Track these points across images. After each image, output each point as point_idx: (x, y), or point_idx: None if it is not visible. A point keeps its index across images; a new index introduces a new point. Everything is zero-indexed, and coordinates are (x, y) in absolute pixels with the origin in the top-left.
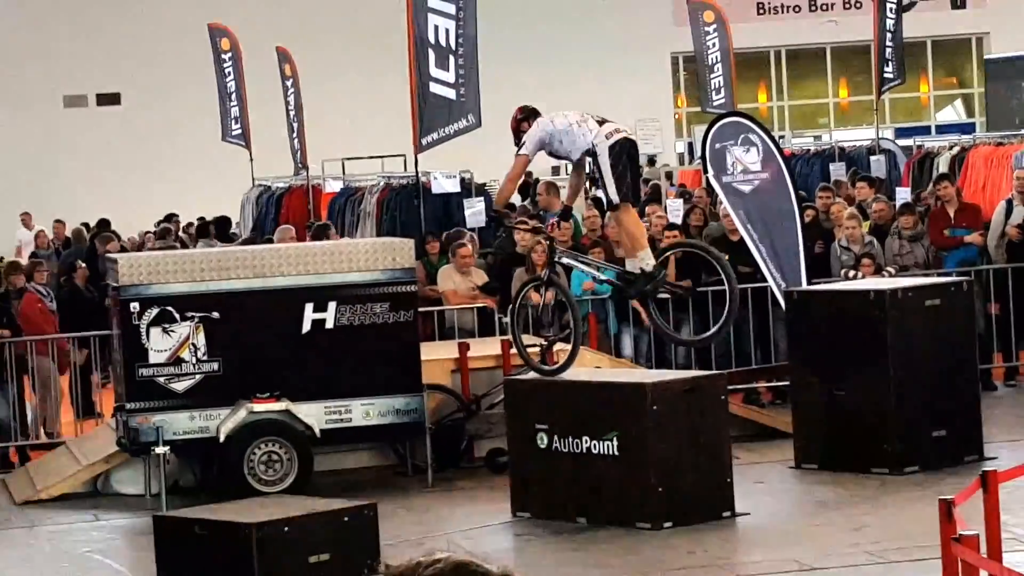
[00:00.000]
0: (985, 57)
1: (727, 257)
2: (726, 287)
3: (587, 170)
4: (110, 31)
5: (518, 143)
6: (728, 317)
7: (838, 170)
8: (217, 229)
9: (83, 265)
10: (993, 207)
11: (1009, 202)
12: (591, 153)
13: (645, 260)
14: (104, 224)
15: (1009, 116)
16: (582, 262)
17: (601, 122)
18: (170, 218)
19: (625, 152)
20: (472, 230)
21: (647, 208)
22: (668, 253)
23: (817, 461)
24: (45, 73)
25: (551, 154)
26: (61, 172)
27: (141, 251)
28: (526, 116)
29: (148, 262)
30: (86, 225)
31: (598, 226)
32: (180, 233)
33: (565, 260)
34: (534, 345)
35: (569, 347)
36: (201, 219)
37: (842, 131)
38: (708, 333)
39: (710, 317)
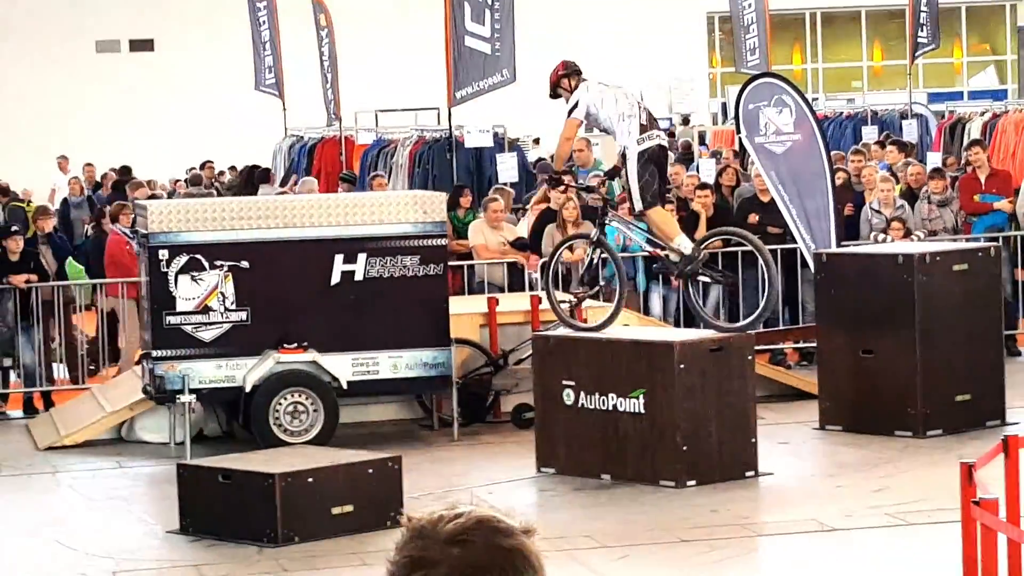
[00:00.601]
0: (1018, 24)
1: (765, 244)
2: (765, 275)
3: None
4: None
5: (554, 95)
6: (767, 305)
7: (870, 133)
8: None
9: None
10: (1023, 174)
11: None
12: (622, 153)
13: (682, 244)
14: (126, 170)
15: None
16: (632, 228)
17: (645, 126)
18: (203, 166)
19: (654, 160)
20: (505, 185)
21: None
22: (709, 240)
23: (841, 423)
24: (78, 18)
25: (592, 124)
26: (93, 117)
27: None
28: (568, 73)
29: (178, 209)
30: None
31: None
32: (214, 181)
33: (616, 223)
34: (564, 301)
35: (602, 305)
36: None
37: (875, 94)
38: (746, 320)
39: (739, 277)
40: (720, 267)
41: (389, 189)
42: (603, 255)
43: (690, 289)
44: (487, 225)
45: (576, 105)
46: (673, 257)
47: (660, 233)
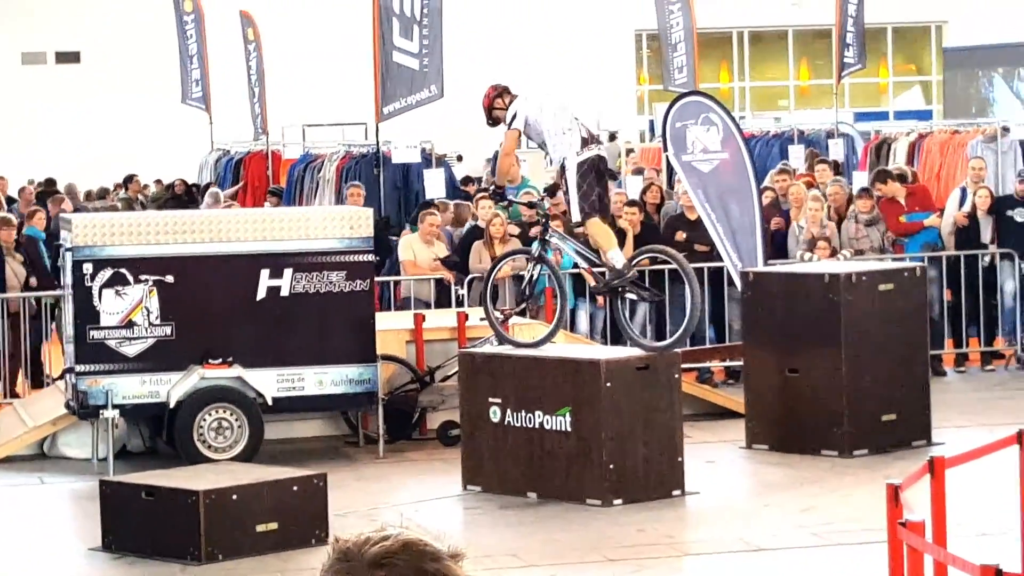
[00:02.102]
0: (944, 45)
1: (692, 263)
2: (688, 295)
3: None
4: None
5: (492, 121)
6: (690, 324)
7: (797, 152)
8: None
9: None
10: (948, 194)
11: (963, 190)
12: (561, 168)
13: (616, 258)
14: (51, 183)
15: (966, 104)
16: (570, 245)
17: (586, 139)
18: (129, 179)
19: (593, 169)
20: (432, 201)
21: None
22: (638, 259)
23: (768, 442)
24: (3, 30)
25: (528, 136)
26: (18, 130)
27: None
28: (500, 94)
29: (103, 223)
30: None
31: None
32: (138, 195)
33: (555, 240)
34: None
35: (528, 322)
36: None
37: (802, 113)
38: (670, 339)
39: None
40: (647, 285)
41: (316, 204)
42: (542, 271)
43: (617, 305)
44: (419, 240)
45: (515, 116)
46: (602, 271)
47: (596, 245)
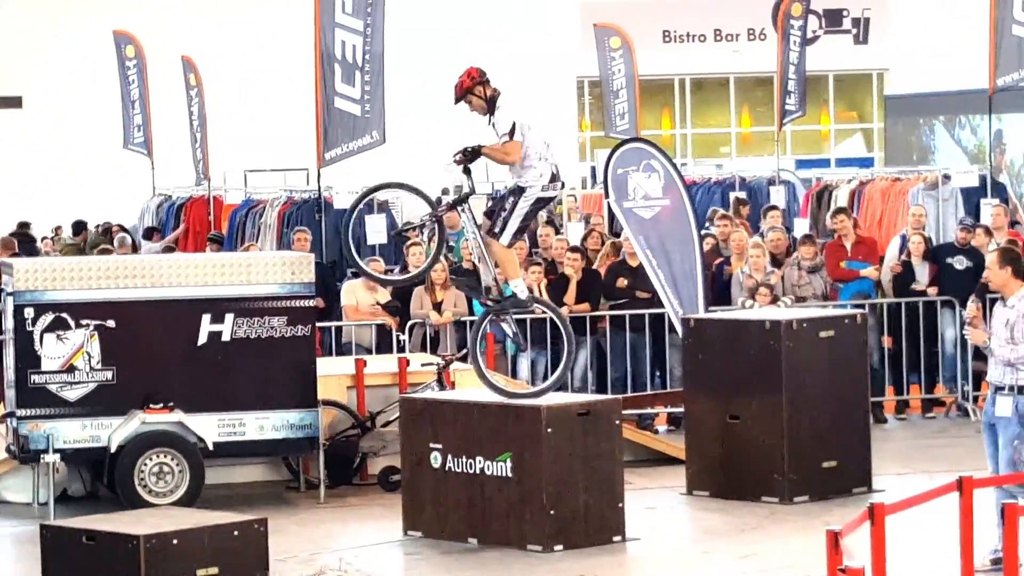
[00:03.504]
0: (885, 93)
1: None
2: (565, 346)
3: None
4: (12, 33)
5: (463, 100)
6: (561, 376)
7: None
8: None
9: None
10: (888, 241)
11: (904, 237)
12: (520, 190)
13: (520, 288)
14: (23, 225)
15: (907, 152)
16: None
17: (555, 175)
18: (81, 225)
19: (540, 208)
20: (373, 247)
21: (539, 230)
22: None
23: (709, 488)
24: None
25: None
26: None
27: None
28: (483, 81)
29: (44, 267)
30: None
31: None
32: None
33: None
34: (431, 364)
35: (467, 367)
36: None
37: (743, 160)
38: (543, 385)
39: (607, 342)
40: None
41: (257, 250)
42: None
43: (485, 326)
44: (362, 286)
45: (515, 126)
46: (495, 293)
47: (503, 270)
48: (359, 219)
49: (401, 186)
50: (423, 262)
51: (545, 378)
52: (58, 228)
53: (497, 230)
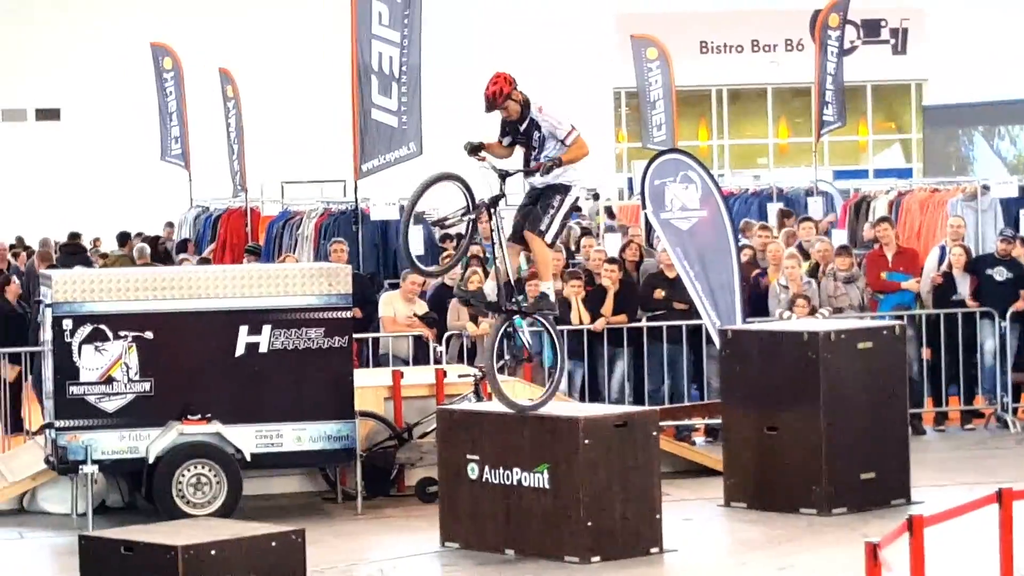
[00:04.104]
0: (924, 103)
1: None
2: (557, 362)
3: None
4: (51, 45)
5: (500, 106)
6: (554, 388)
7: (776, 210)
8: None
9: (16, 280)
10: (927, 252)
11: (943, 248)
12: (564, 188)
13: (551, 290)
14: (75, 236)
15: (945, 162)
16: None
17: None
18: (126, 236)
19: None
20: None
21: (583, 240)
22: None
23: (746, 500)
24: None
25: (522, 145)
26: None
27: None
28: (515, 85)
29: (82, 279)
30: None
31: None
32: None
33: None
34: (468, 375)
35: (507, 379)
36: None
37: (781, 171)
38: (536, 401)
39: (644, 354)
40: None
41: (295, 261)
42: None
43: (502, 328)
44: (401, 298)
45: (567, 119)
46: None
47: (538, 268)
48: (397, 230)
49: (453, 177)
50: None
51: (582, 389)
52: (96, 240)
53: (543, 227)
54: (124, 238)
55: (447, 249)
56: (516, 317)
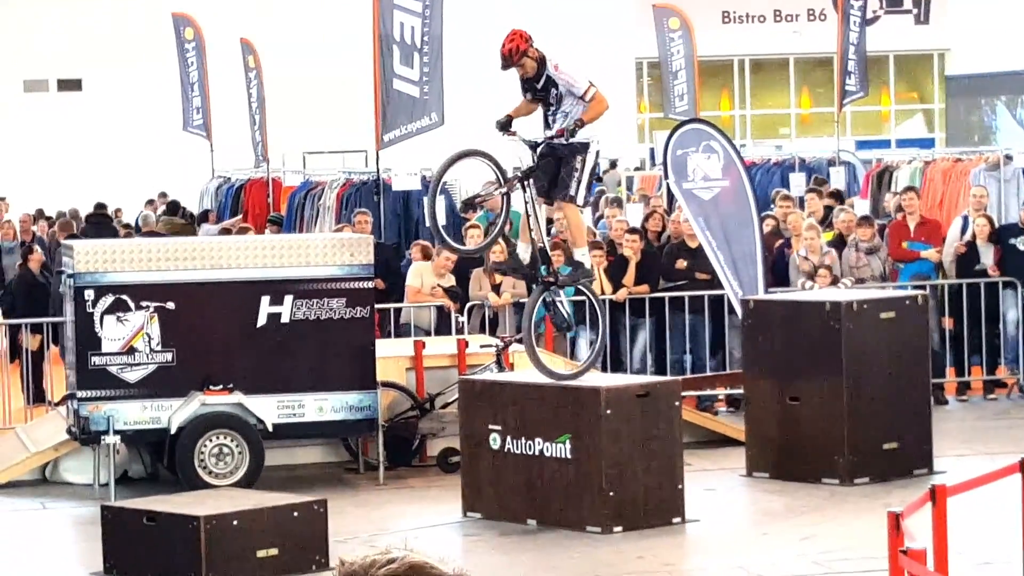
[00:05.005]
0: (946, 73)
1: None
2: (599, 332)
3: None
4: (72, 16)
5: (513, 65)
6: (595, 358)
7: (798, 180)
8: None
9: (38, 250)
10: (950, 223)
11: (965, 218)
12: (583, 146)
13: (585, 257)
14: (100, 207)
15: (968, 132)
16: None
17: None
18: (176, 206)
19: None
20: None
21: (606, 211)
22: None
23: (768, 470)
24: (5, 57)
25: (541, 101)
26: (19, 158)
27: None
28: (530, 42)
29: (104, 249)
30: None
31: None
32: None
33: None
34: (489, 345)
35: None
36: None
37: (803, 141)
38: (577, 369)
39: (667, 324)
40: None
41: (316, 231)
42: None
43: (540, 298)
44: (432, 271)
45: (585, 77)
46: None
47: (571, 234)
48: (418, 201)
49: (480, 154)
50: (480, 243)
51: (603, 361)
52: (118, 210)
53: (572, 192)
54: (173, 207)
55: (469, 219)
56: (553, 287)
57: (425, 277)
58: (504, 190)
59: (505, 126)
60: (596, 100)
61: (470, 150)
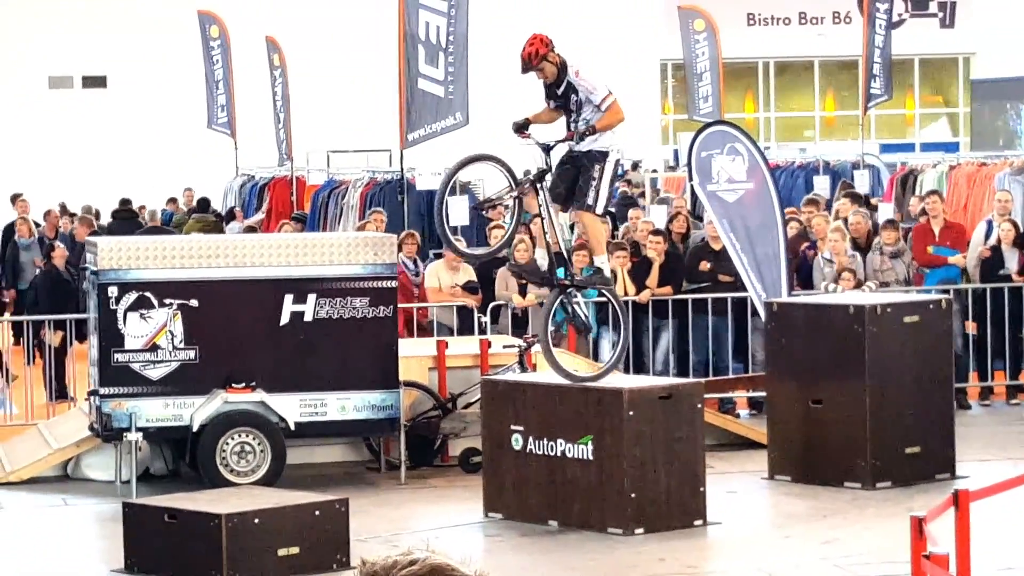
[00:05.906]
0: (971, 77)
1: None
2: (620, 335)
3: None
4: (98, 12)
5: (536, 68)
6: (617, 360)
7: (822, 183)
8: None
9: (60, 246)
10: (974, 227)
11: (989, 223)
12: (602, 155)
13: (606, 264)
14: (124, 202)
15: (993, 136)
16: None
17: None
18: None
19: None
20: (455, 228)
21: (630, 212)
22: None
23: (790, 473)
24: (31, 54)
25: (562, 108)
26: (43, 154)
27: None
28: (552, 47)
29: (128, 246)
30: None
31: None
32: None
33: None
34: (512, 346)
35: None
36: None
37: (827, 144)
38: (599, 371)
39: (689, 326)
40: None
41: (340, 230)
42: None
43: (557, 301)
44: (444, 267)
45: (602, 85)
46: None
47: (592, 245)
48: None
49: (490, 159)
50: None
51: (626, 361)
52: (142, 207)
53: (590, 201)
54: (205, 204)
55: (493, 219)
56: (571, 290)
57: (441, 275)
58: (515, 194)
59: (521, 128)
60: (612, 109)
61: (480, 154)
